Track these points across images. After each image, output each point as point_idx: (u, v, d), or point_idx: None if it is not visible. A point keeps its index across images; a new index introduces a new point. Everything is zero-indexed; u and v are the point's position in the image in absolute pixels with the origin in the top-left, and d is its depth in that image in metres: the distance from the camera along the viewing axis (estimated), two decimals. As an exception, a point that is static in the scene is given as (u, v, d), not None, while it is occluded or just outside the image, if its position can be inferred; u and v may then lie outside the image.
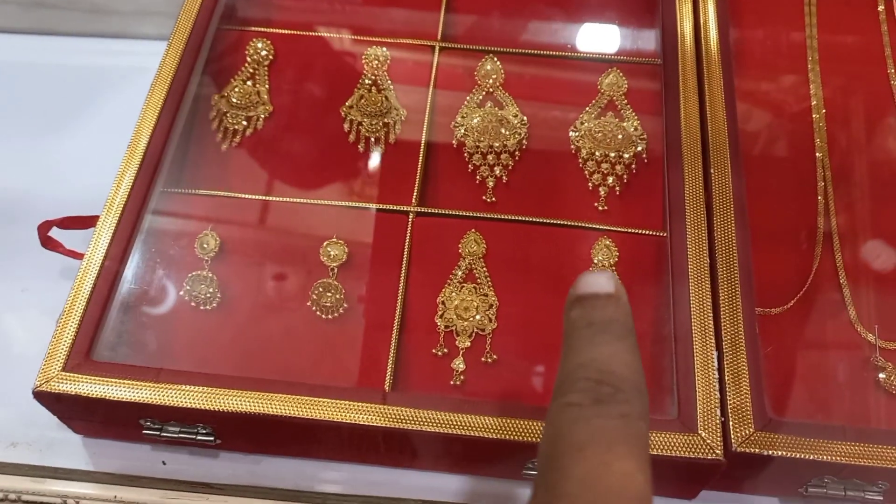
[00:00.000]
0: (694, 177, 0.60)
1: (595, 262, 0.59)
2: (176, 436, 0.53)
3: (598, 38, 0.72)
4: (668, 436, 0.48)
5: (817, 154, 0.64)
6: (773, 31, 0.71)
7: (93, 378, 0.50)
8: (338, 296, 0.58)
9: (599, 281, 0.31)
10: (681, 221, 0.58)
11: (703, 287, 0.54)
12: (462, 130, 0.66)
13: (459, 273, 0.59)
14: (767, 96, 0.68)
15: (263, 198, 0.62)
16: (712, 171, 0.59)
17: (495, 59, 0.70)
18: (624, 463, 0.25)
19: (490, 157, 0.65)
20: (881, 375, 0.54)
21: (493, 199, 0.63)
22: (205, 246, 0.59)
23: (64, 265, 0.63)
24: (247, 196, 0.62)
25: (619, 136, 0.65)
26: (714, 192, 0.58)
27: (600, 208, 0.62)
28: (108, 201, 0.57)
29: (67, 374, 0.50)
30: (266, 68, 0.69)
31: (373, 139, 0.66)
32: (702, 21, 0.68)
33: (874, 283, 0.59)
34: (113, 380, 0.50)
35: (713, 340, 0.52)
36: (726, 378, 0.51)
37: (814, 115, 0.66)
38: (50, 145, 0.75)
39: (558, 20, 0.73)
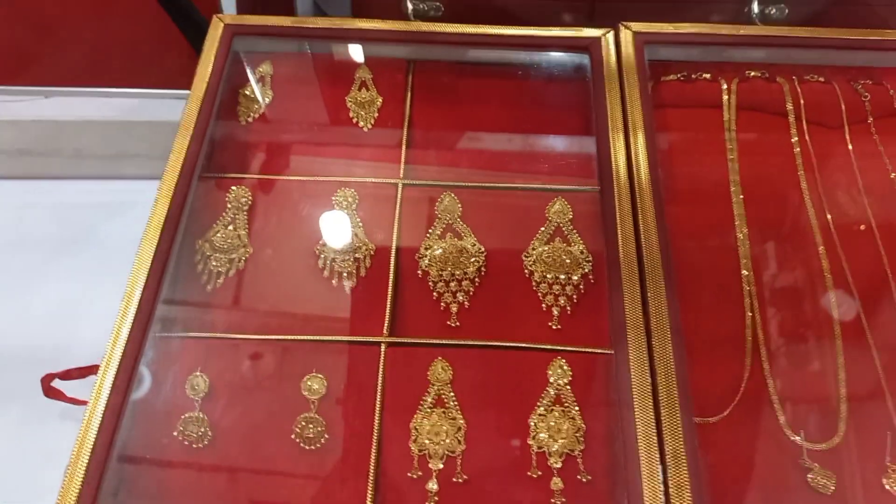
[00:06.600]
0: (633, 299, 0.67)
1: (551, 381, 0.66)
2: (176, 573, 0.57)
3: (544, 170, 0.80)
4: (622, 549, 0.54)
5: (743, 272, 0.72)
6: (699, 159, 0.80)
7: (98, 526, 0.55)
8: (319, 428, 0.63)
9: None
10: (623, 342, 0.65)
11: (646, 406, 0.61)
12: (426, 261, 0.73)
13: (429, 399, 0.65)
14: (696, 218, 0.76)
15: (247, 337, 0.68)
16: (649, 294, 0.67)
17: (452, 194, 0.77)
18: None
19: (452, 283, 0.72)
20: (809, 476, 0.61)
21: (458, 323, 0.70)
22: (195, 387, 0.65)
23: (63, 408, 0.68)
24: (231, 336, 0.68)
25: (567, 260, 0.73)
26: (651, 314, 0.65)
27: (554, 327, 0.69)
28: (106, 354, 0.62)
29: (75, 523, 0.55)
30: (245, 213, 0.76)
31: (345, 273, 0.72)
32: (633, 152, 0.76)
33: (799, 389, 0.66)
34: (117, 526, 0.55)
35: (658, 456, 0.58)
36: (670, 490, 0.57)
37: (738, 235, 0.74)
38: (41, 286, 0.80)
39: (507, 156, 0.81)
